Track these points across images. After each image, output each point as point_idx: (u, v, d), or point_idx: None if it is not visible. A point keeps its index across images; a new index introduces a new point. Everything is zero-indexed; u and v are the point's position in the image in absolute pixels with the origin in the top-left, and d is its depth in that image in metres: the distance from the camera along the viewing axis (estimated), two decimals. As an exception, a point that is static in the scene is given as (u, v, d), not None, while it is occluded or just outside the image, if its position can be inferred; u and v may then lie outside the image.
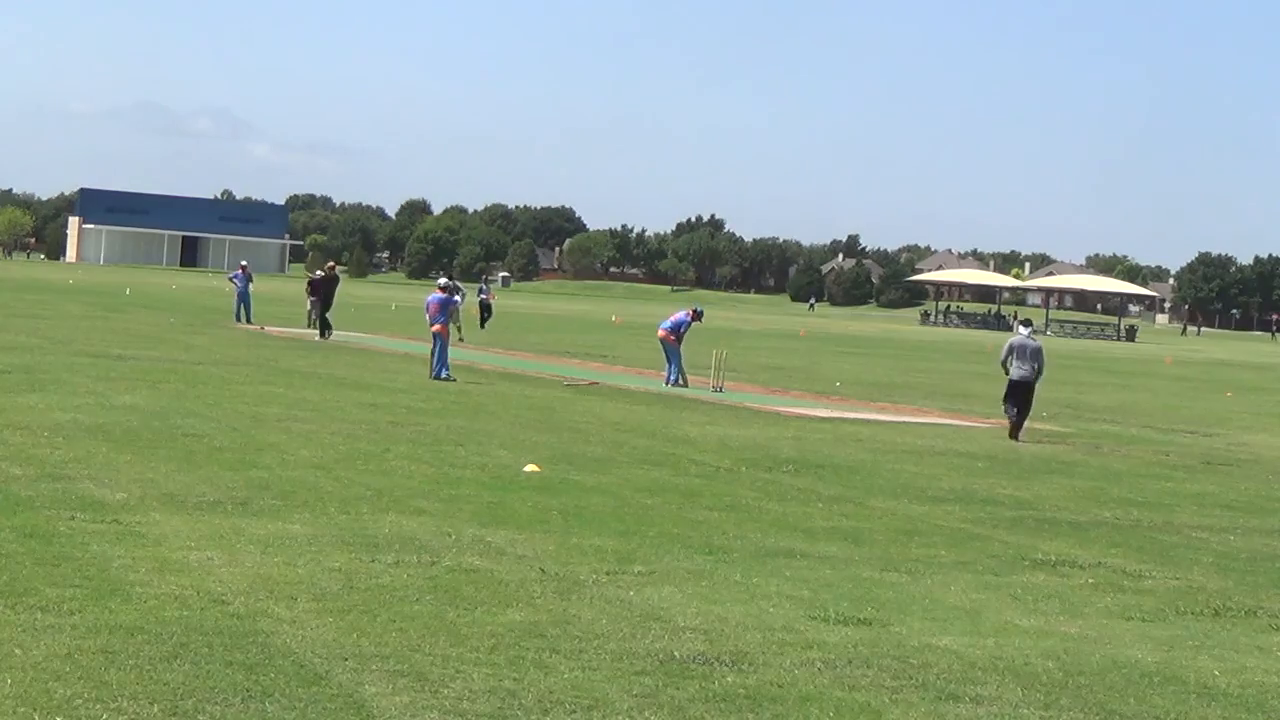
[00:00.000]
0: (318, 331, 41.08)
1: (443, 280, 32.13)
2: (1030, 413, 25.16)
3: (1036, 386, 25.26)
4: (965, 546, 13.80)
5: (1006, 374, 25.07)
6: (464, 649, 8.86)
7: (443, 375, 28.65)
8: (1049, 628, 10.59)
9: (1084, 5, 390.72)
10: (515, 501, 14.46)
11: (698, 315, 33.10)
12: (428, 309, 30.13)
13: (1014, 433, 24.57)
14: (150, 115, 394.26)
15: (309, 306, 44.46)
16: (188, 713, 7.41)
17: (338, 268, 45.99)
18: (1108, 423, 29.73)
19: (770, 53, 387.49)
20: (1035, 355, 24.75)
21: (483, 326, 53.07)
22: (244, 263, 51.12)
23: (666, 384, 31.02)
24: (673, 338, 31.74)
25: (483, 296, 57.00)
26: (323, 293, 41.92)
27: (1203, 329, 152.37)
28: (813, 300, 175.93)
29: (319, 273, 44.43)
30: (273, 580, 10.32)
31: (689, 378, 31.42)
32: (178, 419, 19.28)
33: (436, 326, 29.46)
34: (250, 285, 48.34)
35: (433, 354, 29.28)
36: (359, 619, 9.40)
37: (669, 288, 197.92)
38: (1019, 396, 24.72)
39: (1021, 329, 25.33)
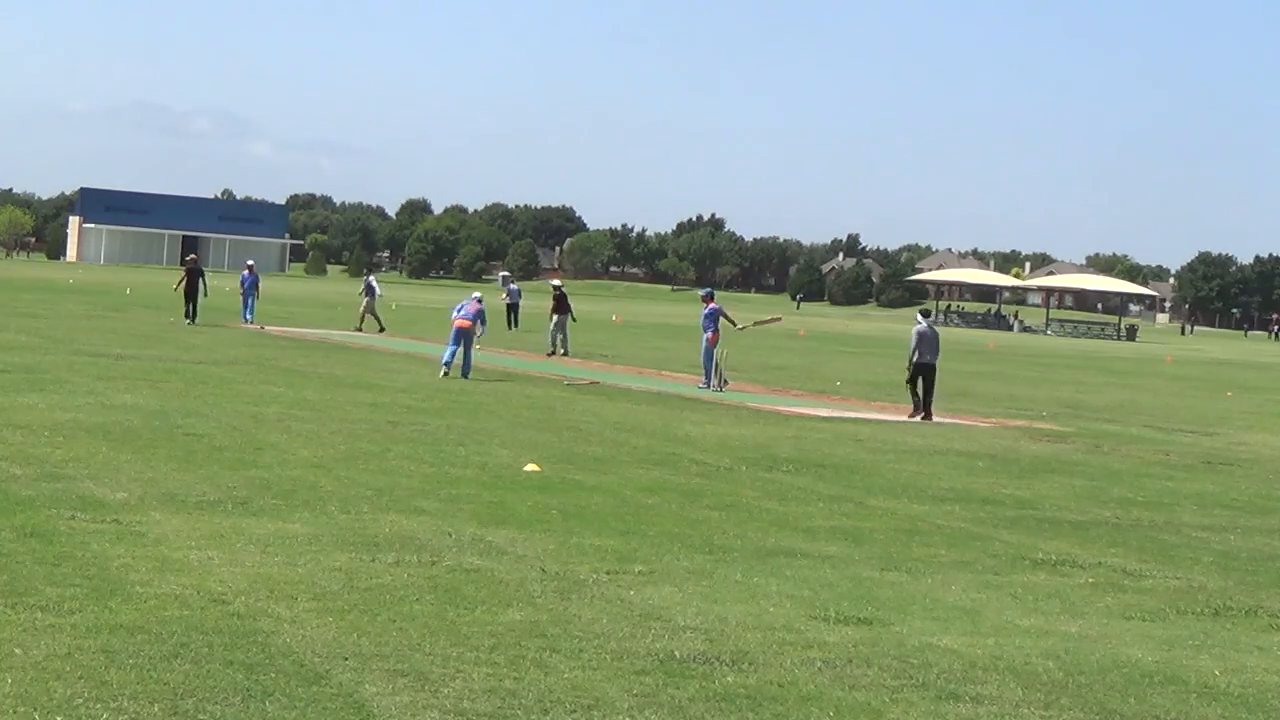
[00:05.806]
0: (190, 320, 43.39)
1: (477, 294, 31.35)
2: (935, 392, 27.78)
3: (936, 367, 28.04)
4: (965, 546, 13.80)
5: (910, 363, 27.66)
6: (464, 649, 8.86)
7: (449, 372, 28.82)
8: (1049, 627, 10.59)
9: (1084, 5, 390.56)
10: (515, 501, 14.45)
11: (709, 296, 32.69)
12: (460, 310, 29.93)
13: (918, 411, 26.97)
14: (150, 115, 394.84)
15: (362, 308, 47.26)
16: (188, 713, 7.41)
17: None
18: (1108, 422, 29.72)
19: (770, 53, 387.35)
20: (936, 340, 27.72)
21: (513, 327, 53.55)
22: (250, 262, 51.00)
23: (709, 388, 30.50)
24: (716, 336, 31.32)
25: (510, 299, 57.68)
26: (189, 284, 44.11)
27: (1195, 328, 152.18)
28: (799, 298, 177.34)
29: (187, 264, 46.45)
30: (273, 580, 10.31)
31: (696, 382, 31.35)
32: (178, 418, 19.28)
33: (463, 322, 29.38)
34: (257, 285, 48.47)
35: (457, 351, 29.27)
36: (359, 619, 9.40)
37: (669, 287, 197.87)
38: (926, 379, 27.10)
39: (921, 319, 27.94)
